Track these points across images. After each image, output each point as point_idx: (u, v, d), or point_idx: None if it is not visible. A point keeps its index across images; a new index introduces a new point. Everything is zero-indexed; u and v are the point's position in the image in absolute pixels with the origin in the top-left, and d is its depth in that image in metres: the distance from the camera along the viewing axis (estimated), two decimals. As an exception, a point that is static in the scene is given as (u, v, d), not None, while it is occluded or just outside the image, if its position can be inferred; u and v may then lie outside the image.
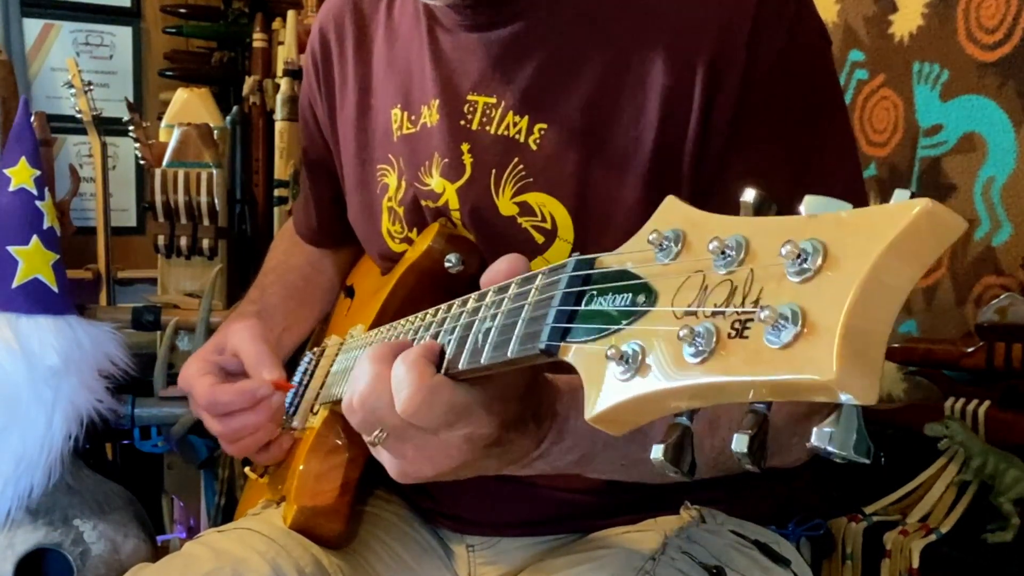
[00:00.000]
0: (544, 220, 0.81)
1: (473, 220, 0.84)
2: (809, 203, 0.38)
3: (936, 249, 0.35)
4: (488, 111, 0.84)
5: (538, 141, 0.81)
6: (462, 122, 0.85)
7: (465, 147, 0.84)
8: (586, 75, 0.80)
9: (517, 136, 0.82)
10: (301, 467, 0.85)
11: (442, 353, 0.56)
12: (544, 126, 0.81)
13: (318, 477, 0.84)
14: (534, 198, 0.81)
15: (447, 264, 0.79)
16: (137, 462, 1.74)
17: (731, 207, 0.41)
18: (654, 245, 0.42)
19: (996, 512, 1.10)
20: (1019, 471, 1.09)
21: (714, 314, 0.38)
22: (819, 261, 0.35)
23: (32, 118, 1.34)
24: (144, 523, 1.35)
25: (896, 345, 1.31)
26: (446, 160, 0.85)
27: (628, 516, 0.86)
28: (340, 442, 0.86)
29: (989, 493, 1.11)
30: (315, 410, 0.91)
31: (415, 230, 0.90)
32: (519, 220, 0.82)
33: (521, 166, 0.82)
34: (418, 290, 0.85)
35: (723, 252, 0.39)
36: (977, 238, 1.31)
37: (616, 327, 0.42)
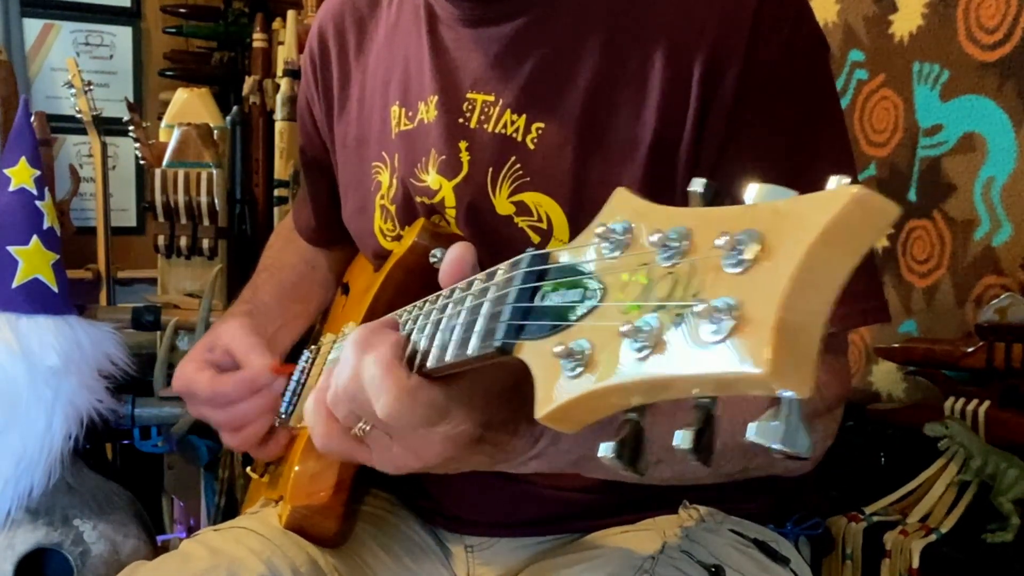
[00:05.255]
0: (540, 220, 0.81)
1: (469, 218, 0.84)
2: (753, 191, 0.37)
3: (871, 236, 0.34)
4: (487, 109, 0.83)
5: (535, 140, 0.81)
6: (460, 120, 0.85)
7: (463, 145, 0.84)
8: (585, 73, 0.80)
9: (515, 135, 0.82)
10: (296, 467, 0.85)
11: (413, 349, 0.56)
12: (542, 125, 0.81)
13: (313, 476, 0.84)
14: (530, 198, 0.81)
15: (432, 259, 0.78)
16: (137, 462, 1.73)
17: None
18: (602, 238, 0.42)
19: (996, 512, 1.10)
20: (1019, 471, 1.09)
21: (656, 308, 0.37)
22: (756, 251, 0.34)
23: (32, 118, 1.34)
24: (144, 523, 1.35)
25: (896, 345, 1.31)
26: (443, 157, 0.85)
27: (627, 516, 0.86)
28: None
29: (989, 493, 1.11)
30: (311, 409, 0.90)
31: (407, 228, 0.90)
32: (515, 219, 0.82)
33: (518, 165, 0.81)
34: (405, 286, 0.84)
35: (665, 244, 0.38)
36: (977, 238, 1.31)
37: (565, 323, 0.42)
